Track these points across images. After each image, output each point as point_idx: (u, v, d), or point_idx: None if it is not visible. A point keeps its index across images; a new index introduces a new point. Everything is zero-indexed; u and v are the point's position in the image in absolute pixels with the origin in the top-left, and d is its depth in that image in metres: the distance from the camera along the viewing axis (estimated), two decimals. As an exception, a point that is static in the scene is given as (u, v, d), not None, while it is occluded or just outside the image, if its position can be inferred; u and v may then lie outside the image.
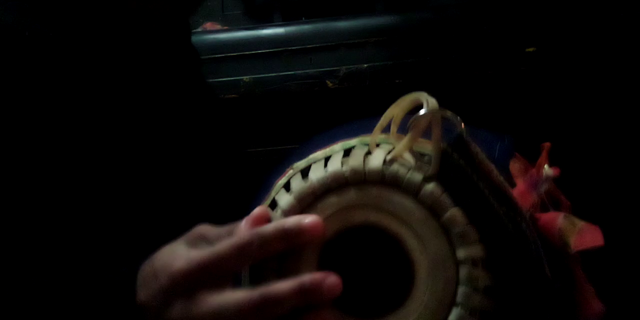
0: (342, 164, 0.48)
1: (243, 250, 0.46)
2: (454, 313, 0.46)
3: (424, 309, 0.46)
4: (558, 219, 0.54)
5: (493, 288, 0.46)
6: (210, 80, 0.95)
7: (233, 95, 1.09)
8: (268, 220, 0.48)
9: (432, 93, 0.49)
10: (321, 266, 0.47)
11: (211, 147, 0.77)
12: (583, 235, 0.54)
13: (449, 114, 0.45)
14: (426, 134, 0.46)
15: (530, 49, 1.04)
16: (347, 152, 0.49)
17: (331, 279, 0.44)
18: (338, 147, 0.50)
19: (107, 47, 0.67)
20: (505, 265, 0.46)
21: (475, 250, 0.46)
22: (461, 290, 0.46)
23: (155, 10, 0.71)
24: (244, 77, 1.10)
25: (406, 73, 1.07)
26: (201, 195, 0.71)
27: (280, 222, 0.46)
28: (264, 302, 0.44)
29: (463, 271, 0.46)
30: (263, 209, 0.48)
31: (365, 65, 1.08)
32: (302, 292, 0.44)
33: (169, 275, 0.47)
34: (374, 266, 0.51)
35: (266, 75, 1.10)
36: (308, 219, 0.46)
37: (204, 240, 0.49)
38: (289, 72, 1.10)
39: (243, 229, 0.47)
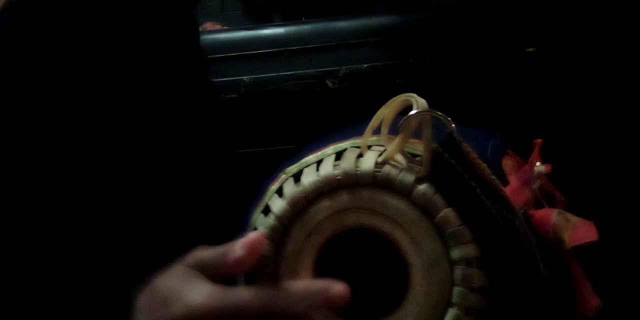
0: (334, 167, 0.47)
1: (262, 309, 0.44)
2: (450, 313, 0.46)
3: (420, 310, 0.46)
4: (552, 216, 0.54)
5: (488, 287, 0.46)
6: (211, 80, 0.96)
7: (233, 95, 1.09)
8: (263, 246, 0.46)
9: (431, 93, 0.49)
10: (317, 270, 0.47)
11: (211, 147, 0.77)
12: (577, 231, 0.54)
13: (438, 114, 0.45)
14: (417, 134, 0.46)
15: (530, 49, 1.04)
16: (338, 155, 0.49)
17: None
18: (330, 151, 0.49)
19: (114, 50, 0.67)
20: (500, 264, 0.46)
21: (470, 250, 0.46)
22: (456, 290, 0.46)
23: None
24: (244, 77, 1.10)
25: (406, 73, 1.07)
26: (201, 195, 0.72)
27: (307, 289, 0.44)
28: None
29: (458, 271, 0.46)
30: (258, 235, 0.46)
31: (365, 65, 1.08)
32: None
33: (186, 307, 0.45)
34: (368, 268, 0.51)
35: (266, 75, 1.10)
36: (336, 289, 0.43)
37: (202, 266, 0.48)
38: (289, 72, 1.10)
39: (238, 255, 0.45)
